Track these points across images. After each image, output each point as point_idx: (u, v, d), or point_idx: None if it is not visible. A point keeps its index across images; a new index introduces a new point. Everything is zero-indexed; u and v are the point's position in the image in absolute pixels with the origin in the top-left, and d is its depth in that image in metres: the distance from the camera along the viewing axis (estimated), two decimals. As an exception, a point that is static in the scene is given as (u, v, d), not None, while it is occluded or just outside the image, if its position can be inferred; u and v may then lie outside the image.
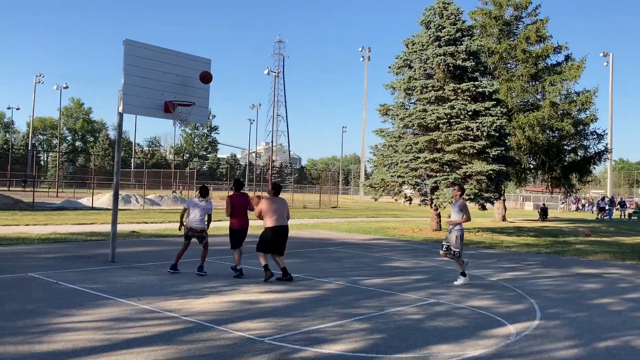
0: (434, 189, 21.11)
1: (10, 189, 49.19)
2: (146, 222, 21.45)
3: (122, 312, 7.05)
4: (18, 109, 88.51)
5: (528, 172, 30.95)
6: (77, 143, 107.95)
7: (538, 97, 30.24)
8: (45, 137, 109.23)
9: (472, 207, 25.42)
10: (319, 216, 31.03)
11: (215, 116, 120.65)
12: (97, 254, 12.13)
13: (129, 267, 10.65)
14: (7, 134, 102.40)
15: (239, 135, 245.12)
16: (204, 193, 10.14)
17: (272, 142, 49.96)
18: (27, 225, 18.11)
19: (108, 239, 12.38)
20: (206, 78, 6.53)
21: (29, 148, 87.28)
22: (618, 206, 49.32)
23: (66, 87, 73.85)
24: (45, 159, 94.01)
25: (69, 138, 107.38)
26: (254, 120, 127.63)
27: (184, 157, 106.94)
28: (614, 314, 8.01)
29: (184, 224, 9.98)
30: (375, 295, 8.78)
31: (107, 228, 15.76)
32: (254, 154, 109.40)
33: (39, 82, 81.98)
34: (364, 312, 7.53)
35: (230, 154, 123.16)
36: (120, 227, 17.62)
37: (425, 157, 20.51)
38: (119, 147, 11.30)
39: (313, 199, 51.46)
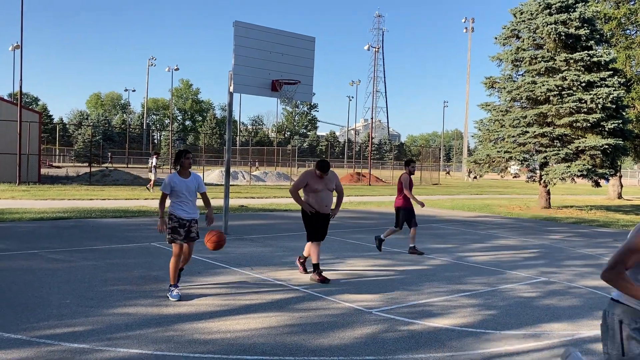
0: (544, 164, 20.20)
1: (129, 165, 53.02)
2: (253, 197, 22.34)
3: (237, 279, 7.50)
4: (134, 90, 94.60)
5: (649, 147, 28.64)
6: (187, 122, 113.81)
7: (661, 65, 27.76)
8: (157, 117, 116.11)
9: (584, 183, 24.08)
10: (420, 193, 30.70)
11: (315, 94, 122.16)
12: (211, 226, 12.87)
13: (240, 239, 11.23)
14: (125, 115, 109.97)
15: (338, 113, 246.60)
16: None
17: (371, 118, 49.79)
18: (146, 199, 19.51)
19: (221, 213, 13.07)
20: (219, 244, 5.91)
21: (144, 127, 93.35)
22: None
23: (177, 69, 77.94)
24: (159, 137, 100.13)
25: (179, 118, 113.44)
26: (353, 97, 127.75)
27: (285, 135, 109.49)
28: None
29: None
30: (483, 273, 8.66)
31: (219, 202, 16.63)
32: (352, 131, 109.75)
33: (152, 65, 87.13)
34: (471, 289, 7.47)
35: (330, 132, 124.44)
36: (230, 202, 18.54)
37: (534, 132, 19.64)
38: (229, 126, 11.83)
39: (414, 175, 50.88)
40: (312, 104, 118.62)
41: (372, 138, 50.55)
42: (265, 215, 16.10)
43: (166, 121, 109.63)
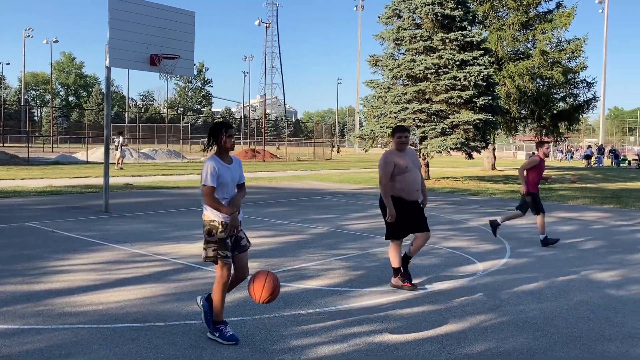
0: (423, 138, 21.45)
1: (5, 144, 49.33)
2: (140, 175, 21.82)
3: (114, 256, 7.50)
4: (8, 63, 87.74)
5: (518, 121, 31.24)
6: (71, 98, 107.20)
7: (528, 45, 30.28)
8: (38, 92, 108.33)
9: (458, 156, 25.95)
10: (312, 168, 31.45)
11: (208, 69, 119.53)
12: (91, 205, 12.55)
13: (122, 216, 11.09)
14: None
15: (234, 89, 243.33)
16: None
17: (264, 94, 49.84)
18: (22, 179, 18.48)
19: (102, 191, 12.77)
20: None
21: (22, 104, 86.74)
22: (609, 154, 49.79)
23: (56, 42, 73.06)
24: (39, 114, 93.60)
25: (62, 93, 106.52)
26: (247, 73, 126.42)
27: (178, 111, 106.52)
28: (580, 252, 8.51)
29: None
30: (358, 239, 9.26)
31: (101, 181, 16.13)
32: (249, 108, 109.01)
33: (29, 36, 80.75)
34: (344, 253, 8.01)
35: (225, 108, 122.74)
36: (115, 180, 18.05)
37: (414, 108, 20.77)
38: (108, 101, 11.54)
39: (308, 152, 51.83)
40: (205, 79, 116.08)
41: (266, 115, 50.64)
42: (152, 193, 15.88)
43: (47, 97, 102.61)
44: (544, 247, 8.81)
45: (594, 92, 30.85)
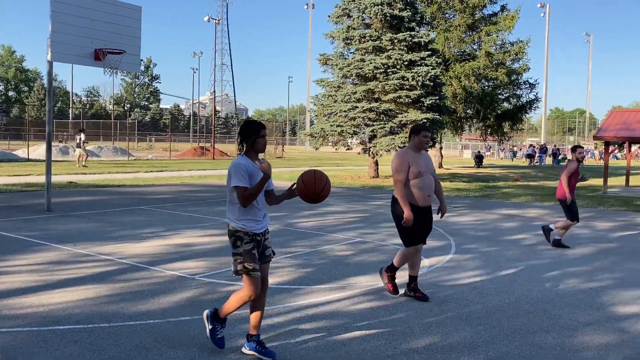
0: (372, 137, 21.70)
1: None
2: (84, 174, 21.20)
3: (57, 256, 7.27)
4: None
5: (464, 121, 32.02)
6: (10, 93, 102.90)
7: (474, 47, 31.06)
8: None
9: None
10: (262, 166, 31.29)
11: (156, 65, 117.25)
12: (33, 203, 12.11)
13: (65, 215, 10.75)
14: None
15: (183, 85, 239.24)
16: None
17: (214, 91, 49.27)
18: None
19: (44, 189, 12.34)
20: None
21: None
22: (550, 153, 51.62)
23: (-6, 34, 69.83)
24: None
25: (1, 88, 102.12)
26: (197, 69, 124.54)
27: (125, 108, 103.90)
28: (521, 248, 8.82)
29: None
30: (307, 236, 9.29)
31: (43, 179, 15.58)
32: (198, 104, 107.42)
33: (-37, 27, 76.99)
34: (293, 251, 8.03)
35: (174, 104, 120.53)
36: (58, 178, 17.47)
37: (363, 107, 20.98)
38: (50, 96, 11.15)
39: (275, 150, 51.51)
40: (153, 75, 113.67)
41: (216, 112, 50.06)
42: (97, 192, 15.45)
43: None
44: (488, 245, 9.08)
45: (536, 93, 31.98)
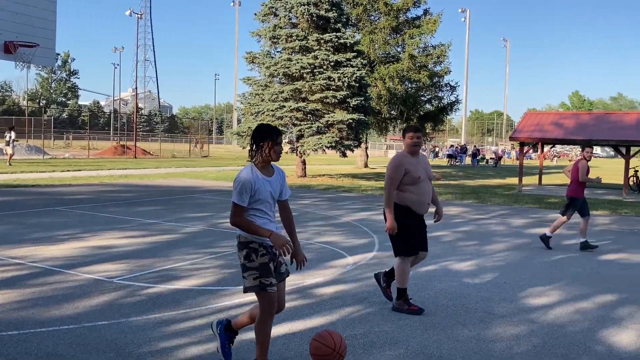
0: (299, 137, 21.77)
1: None
2: (-6, 173, 19.97)
3: (-39, 261, 6.80)
4: None
5: (388, 122, 32.77)
6: None
7: (398, 49, 31.85)
8: None
9: (333, 154, 26.73)
10: (188, 165, 30.72)
11: (74, 59, 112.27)
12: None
13: (-29, 218, 10.09)
14: None
15: (104, 81, 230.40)
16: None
17: (136, 88, 47.76)
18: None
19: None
20: None
21: None
22: (470, 153, 53.77)
23: None
24: None
25: None
26: (118, 65, 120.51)
27: (40, 104, 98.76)
28: (442, 244, 9.12)
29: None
30: (233, 236, 9.18)
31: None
32: (119, 101, 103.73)
33: None
34: (218, 252, 7.91)
35: (93, 101, 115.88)
36: (-37, 178, 16.34)
37: (291, 106, 21.01)
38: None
39: (184, 148, 50.53)
40: (71, 70, 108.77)
41: (139, 109, 48.58)
42: (8, 192, 14.60)
43: None
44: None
45: (457, 95, 33.25)
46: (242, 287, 6.07)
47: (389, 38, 31.22)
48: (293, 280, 6.42)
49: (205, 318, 5.02)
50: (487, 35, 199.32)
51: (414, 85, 31.25)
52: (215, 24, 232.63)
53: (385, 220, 5.33)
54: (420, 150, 5.48)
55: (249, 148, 3.79)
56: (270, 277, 3.67)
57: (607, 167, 50.34)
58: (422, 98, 31.98)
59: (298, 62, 21.10)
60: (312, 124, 21.20)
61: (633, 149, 20.33)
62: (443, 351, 4.42)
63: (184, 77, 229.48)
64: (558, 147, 73.61)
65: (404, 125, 31.97)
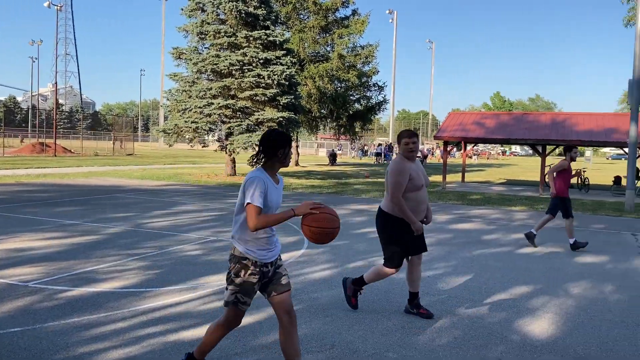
0: (229, 134, 21.51)
1: None
2: None
3: None
4: None
5: (319, 120, 32.98)
6: None
7: (328, 48, 32.09)
8: None
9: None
10: (112, 164, 29.66)
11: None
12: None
13: None
14: None
15: (20, 76, 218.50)
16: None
17: (56, 83, 45.61)
18: None
19: None
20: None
21: None
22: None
23: None
24: None
25: None
26: (36, 59, 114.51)
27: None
28: (369, 241, 9.27)
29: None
30: (157, 237, 8.95)
31: None
32: (37, 97, 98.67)
33: None
34: (142, 252, 7.68)
35: (9, 96, 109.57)
36: None
37: (219, 103, 20.73)
38: None
39: (107, 146, 48.79)
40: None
41: (59, 105, 46.42)
42: None
43: None
44: (338, 239, 9.42)
45: (385, 95, 33.93)
46: (167, 288, 5.97)
47: (318, 37, 31.40)
48: (219, 281, 6.34)
49: (127, 321, 4.86)
50: (414, 36, 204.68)
51: (343, 85, 31.60)
52: (140, 18, 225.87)
53: (381, 228, 5.21)
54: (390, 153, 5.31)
55: (257, 152, 3.57)
56: (249, 297, 3.56)
57: (524, 165, 52.99)
58: (352, 97, 32.40)
59: (227, 59, 20.84)
60: (241, 121, 21.00)
61: (548, 148, 21.47)
62: (368, 345, 4.50)
63: (108, 73, 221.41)
64: (480, 146, 76.67)
65: (334, 123, 32.33)
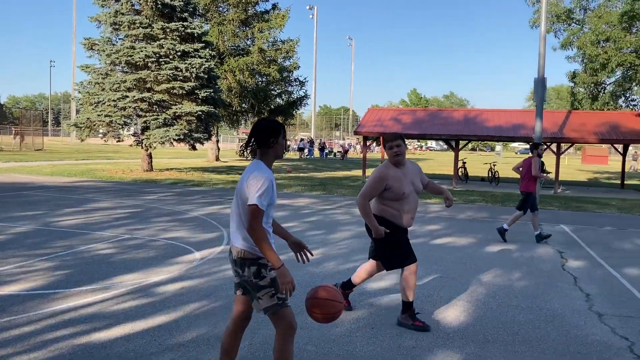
0: (145, 129, 20.85)
1: None
2: None
3: None
4: None
5: (240, 115, 32.61)
6: None
7: (248, 42, 31.77)
8: None
9: (183, 147, 26.01)
10: (19, 160, 27.96)
11: None
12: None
13: None
14: None
15: None
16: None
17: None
18: None
19: None
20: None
21: None
22: (319, 147, 55.52)
23: None
24: None
25: None
26: None
27: None
28: (289, 236, 9.28)
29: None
30: (68, 236, 8.53)
31: None
32: None
33: None
34: (50, 252, 7.30)
35: None
36: None
37: (134, 96, 20.04)
38: None
39: (14, 141, 45.90)
40: None
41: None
42: None
43: None
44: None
45: (306, 90, 34.09)
46: (78, 289, 5.70)
47: (238, 30, 31.01)
48: (134, 280, 6.14)
49: (33, 325, 4.60)
50: (334, 33, 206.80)
51: (264, 79, 31.41)
52: (50, 6, 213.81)
53: (370, 234, 4.94)
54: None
55: (251, 144, 3.34)
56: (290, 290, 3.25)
57: (440, 160, 55.02)
58: (273, 92, 32.26)
59: (142, 51, 20.15)
60: (158, 115, 20.40)
61: (461, 143, 22.38)
62: (287, 340, 4.50)
63: (13, 64, 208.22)
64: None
65: (256, 118, 32.05)
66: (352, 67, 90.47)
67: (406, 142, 4.87)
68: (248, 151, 3.37)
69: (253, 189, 3.11)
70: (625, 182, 24.54)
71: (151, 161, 22.53)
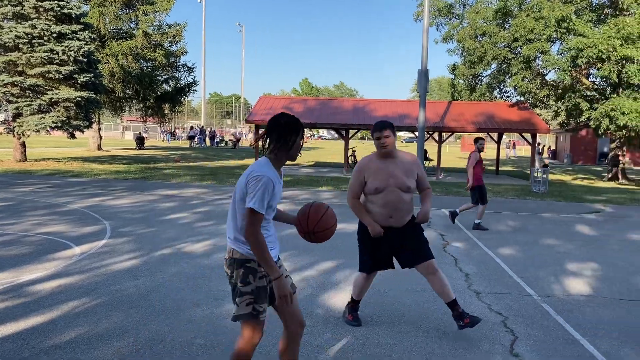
0: (17, 115, 19.26)
1: None
2: None
3: None
4: None
5: (123, 101, 31.09)
6: None
7: (132, 25, 30.31)
8: None
9: (61, 135, 24.30)
10: None
11: None
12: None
13: None
14: None
15: None
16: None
17: None
18: None
19: None
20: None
21: None
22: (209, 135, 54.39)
23: None
24: None
25: None
26: None
27: None
28: (179, 227, 8.99)
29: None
30: None
31: None
32: None
33: None
34: None
35: None
36: None
37: (4, 80, 18.46)
38: None
39: None
40: None
41: None
42: None
43: None
44: (145, 227, 9.00)
45: (194, 77, 33.05)
46: None
47: (120, 13, 29.43)
48: (3, 279, 5.64)
49: None
50: (224, 19, 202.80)
51: (149, 64, 30.12)
52: None
53: (360, 235, 4.63)
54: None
55: (267, 139, 3.07)
56: (264, 303, 3.02)
57: (332, 149, 56.10)
58: (159, 78, 31.02)
59: (12, 31, 18.53)
60: (32, 101, 18.91)
61: (351, 131, 22.90)
62: (175, 334, 4.35)
63: None
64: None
65: (141, 105, 30.71)
66: (242, 54, 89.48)
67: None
68: (270, 148, 3.06)
69: (252, 192, 2.89)
70: (499, 169, 26.43)
71: (25, 150, 20.87)
